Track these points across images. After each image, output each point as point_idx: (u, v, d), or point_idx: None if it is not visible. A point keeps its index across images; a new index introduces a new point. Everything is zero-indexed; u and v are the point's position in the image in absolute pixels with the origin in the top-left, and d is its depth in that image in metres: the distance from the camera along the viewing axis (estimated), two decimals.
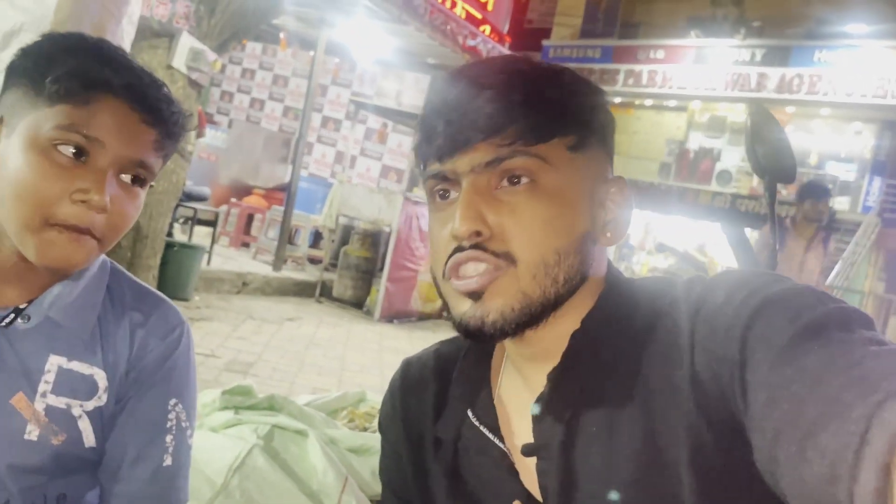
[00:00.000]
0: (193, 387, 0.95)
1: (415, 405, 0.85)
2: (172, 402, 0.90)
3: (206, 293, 6.36)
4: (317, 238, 8.64)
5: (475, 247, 0.65)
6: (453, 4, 7.05)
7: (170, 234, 5.83)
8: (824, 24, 15.02)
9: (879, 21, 14.42)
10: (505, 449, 0.73)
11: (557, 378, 0.68)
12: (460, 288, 0.67)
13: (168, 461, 0.89)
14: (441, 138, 0.66)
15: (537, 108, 0.64)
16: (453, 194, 0.68)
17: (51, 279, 0.86)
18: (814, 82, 14.44)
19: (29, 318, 0.83)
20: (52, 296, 0.85)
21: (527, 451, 0.70)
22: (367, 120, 10.45)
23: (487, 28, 7.62)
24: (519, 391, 0.75)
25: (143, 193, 0.85)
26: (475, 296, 0.66)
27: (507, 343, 0.73)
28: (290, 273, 7.76)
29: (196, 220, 6.92)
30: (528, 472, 0.71)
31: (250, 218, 9.00)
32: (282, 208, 8.14)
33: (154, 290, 0.97)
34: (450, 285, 0.68)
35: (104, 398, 0.86)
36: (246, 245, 8.87)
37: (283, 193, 9.37)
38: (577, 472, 0.66)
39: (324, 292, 7.57)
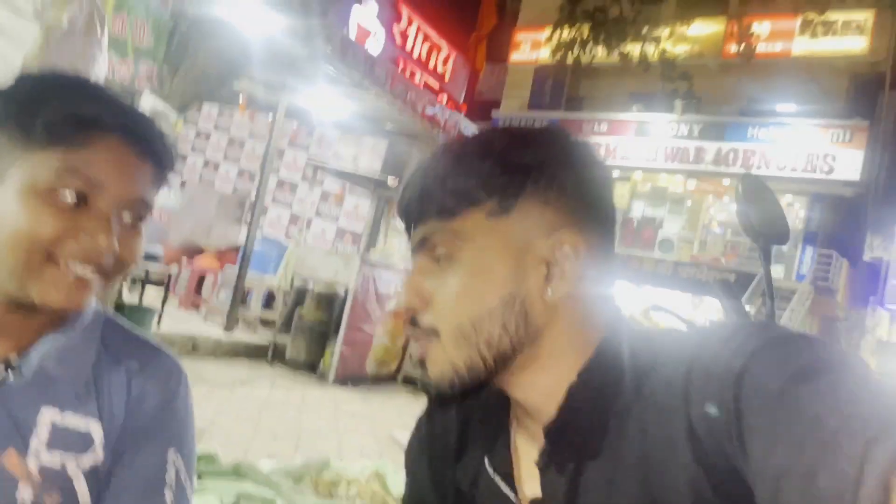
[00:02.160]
0: (192, 438, 0.91)
1: (439, 447, 0.86)
2: (171, 452, 0.85)
3: None
4: (269, 300, 8.51)
5: (412, 321, 0.73)
6: (412, 75, 7.26)
7: (119, 295, 5.67)
8: (756, 103, 15.97)
9: (807, 102, 15.42)
10: (516, 501, 0.75)
11: (555, 433, 0.69)
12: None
13: None
14: (400, 220, 0.77)
15: (449, 187, 0.70)
16: None
17: (41, 329, 0.82)
18: (748, 156, 15.23)
19: (21, 372, 0.79)
20: (44, 346, 0.81)
21: None
22: (323, 182, 10.50)
23: (445, 97, 7.85)
24: (529, 442, 0.76)
25: (143, 229, 0.84)
26: (422, 363, 0.73)
27: None
28: (242, 335, 7.59)
29: (147, 281, 6.76)
30: None
31: (202, 279, 8.82)
32: (234, 268, 8.02)
33: (149, 337, 0.94)
34: None
35: (100, 452, 0.82)
36: (196, 306, 8.67)
37: (236, 254, 9.25)
38: None
39: (276, 355, 7.42)
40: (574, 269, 0.69)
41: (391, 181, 7.75)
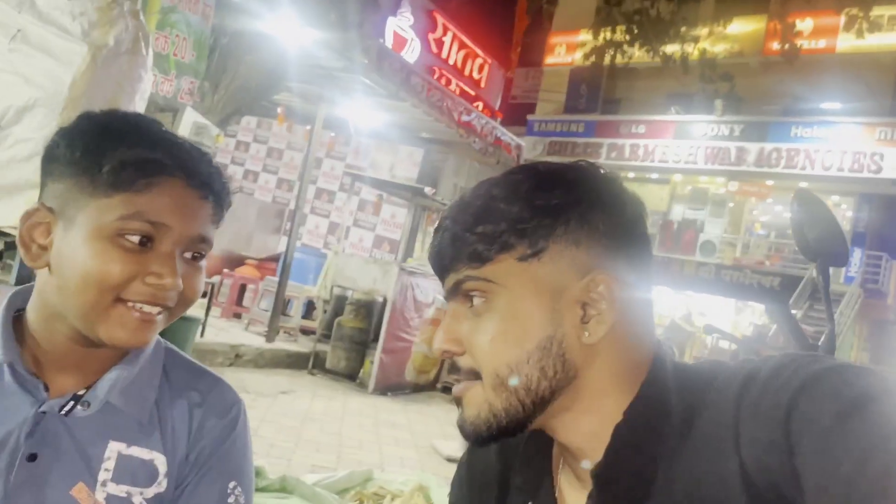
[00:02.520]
0: (251, 468, 0.93)
1: (482, 491, 0.85)
2: (231, 485, 0.88)
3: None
4: (309, 308, 8.58)
5: (453, 367, 0.73)
6: (448, 82, 7.27)
7: None
8: (800, 102, 15.61)
9: (852, 99, 15.03)
10: None
11: (603, 476, 0.68)
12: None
13: None
14: (433, 268, 0.77)
15: (478, 233, 0.70)
16: None
17: (107, 363, 0.85)
18: (791, 156, 14.88)
19: (88, 405, 0.82)
20: (109, 380, 0.83)
21: None
22: (360, 191, 10.58)
23: (480, 104, 7.85)
24: (574, 484, 0.75)
25: (204, 265, 0.87)
26: (458, 402, 0.73)
27: None
28: (283, 344, 7.67)
29: None
30: None
31: (243, 288, 8.94)
32: (274, 279, 8.12)
33: (208, 368, 0.96)
34: None
35: (164, 484, 0.84)
36: (237, 316, 8.79)
37: (275, 264, 9.35)
38: None
39: (317, 364, 7.48)
40: (610, 309, 0.68)
41: (427, 190, 7.76)
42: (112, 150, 0.79)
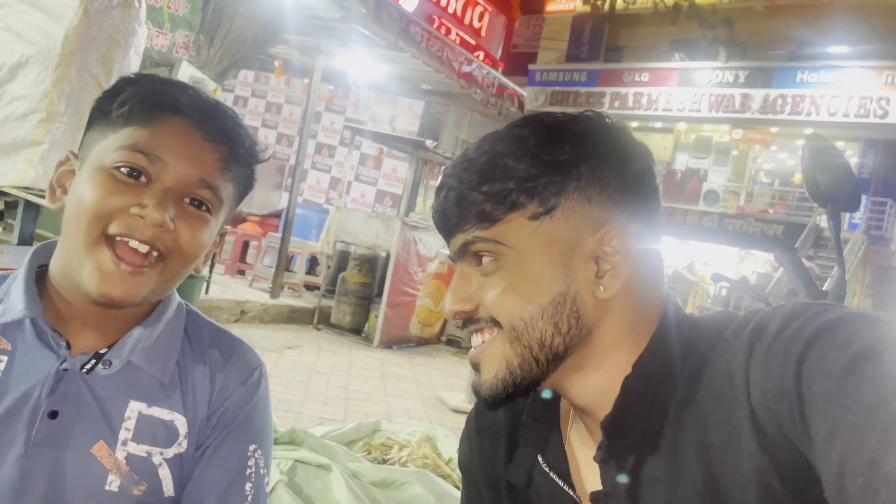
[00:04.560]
0: (271, 431, 0.93)
1: (489, 447, 0.86)
2: (252, 447, 0.88)
3: None
4: (313, 264, 8.60)
5: (469, 321, 0.72)
6: (448, 31, 7.12)
7: None
8: (806, 47, 15.33)
9: (859, 42, 14.74)
10: (575, 496, 0.74)
11: (612, 427, 0.68)
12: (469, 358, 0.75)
13: None
14: (438, 228, 0.76)
15: (486, 193, 0.68)
16: None
17: (128, 323, 0.84)
18: (797, 103, 14.68)
19: (110, 364, 0.81)
20: (132, 340, 0.83)
21: (595, 498, 0.70)
22: (361, 145, 10.49)
23: (481, 54, 7.71)
24: (584, 438, 0.75)
25: (213, 221, 0.83)
26: (475, 367, 0.73)
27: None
28: (287, 300, 7.70)
29: None
30: None
31: (246, 245, 8.95)
32: (277, 235, 8.10)
33: (229, 331, 0.95)
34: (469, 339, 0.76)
35: (184, 444, 0.84)
36: (241, 273, 8.81)
37: (278, 220, 9.33)
38: None
39: (322, 319, 7.52)
40: (624, 263, 0.67)
41: (429, 143, 7.69)
42: (127, 90, 0.79)
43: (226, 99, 12.75)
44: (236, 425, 0.87)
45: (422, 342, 7.72)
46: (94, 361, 0.81)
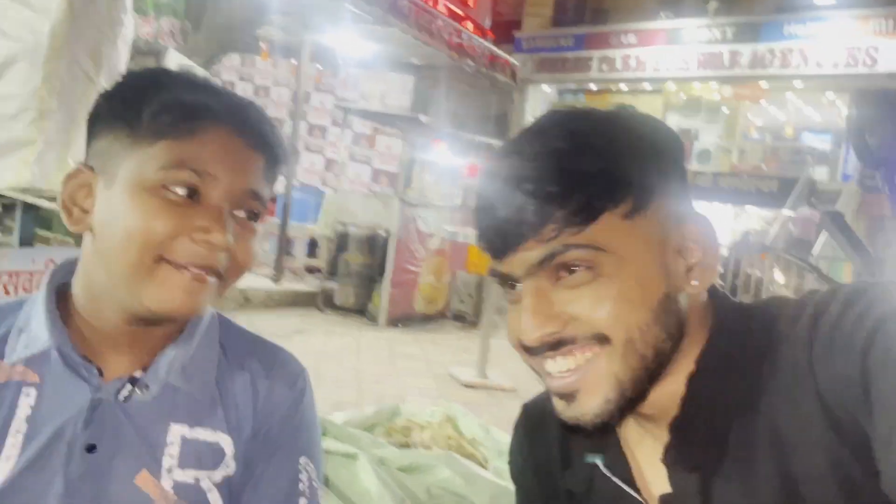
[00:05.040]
0: (320, 439, 0.89)
1: (542, 455, 0.83)
2: (303, 461, 0.83)
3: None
4: (313, 247, 8.56)
5: (560, 343, 0.63)
6: (435, 2, 7.00)
7: None
8: None
9: None
10: (642, 500, 0.71)
11: (681, 428, 0.66)
12: (551, 388, 0.66)
13: None
14: (491, 238, 0.65)
15: (575, 189, 0.61)
16: (519, 286, 0.66)
17: (161, 342, 0.79)
18: (785, 56, 14.59)
19: (147, 388, 0.76)
20: (167, 359, 0.78)
21: (666, 501, 0.68)
22: (353, 125, 10.36)
23: (470, 24, 7.59)
24: (646, 440, 0.72)
25: (258, 229, 0.79)
26: (569, 396, 0.64)
27: None
28: (290, 284, 7.68)
29: None
30: None
31: None
32: (275, 220, 8.04)
33: (265, 338, 0.90)
34: (535, 364, 0.67)
35: (232, 465, 0.79)
36: None
37: (274, 204, 9.25)
38: None
39: (326, 301, 7.51)
40: (712, 254, 0.65)
41: (423, 118, 7.60)
42: (152, 96, 0.72)
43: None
44: (284, 439, 0.83)
45: (427, 319, 7.71)
46: (129, 387, 0.76)
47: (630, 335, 0.62)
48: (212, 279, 0.73)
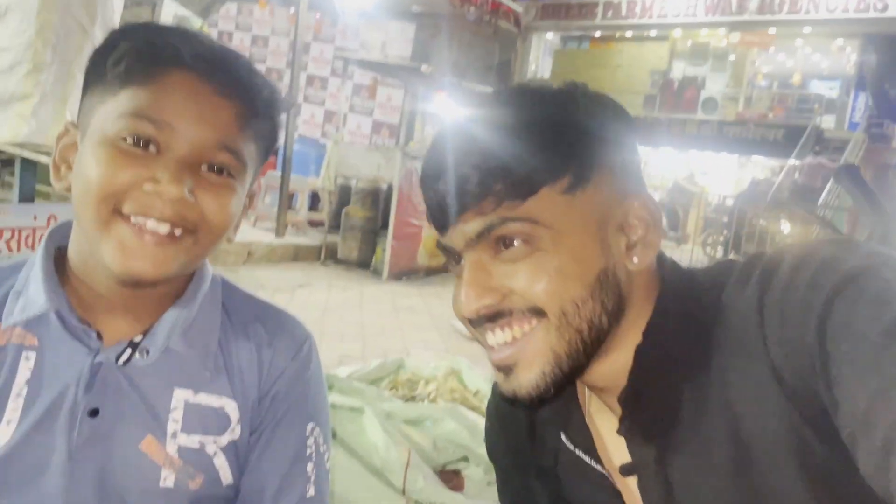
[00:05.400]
0: (327, 404, 0.87)
1: (512, 433, 0.83)
2: (310, 426, 0.82)
3: (213, 266, 6.28)
4: (314, 201, 8.53)
5: (497, 315, 0.63)
6: None
7: None
8: None
9: None
10: (604, 472, 0.72)
11: (630, 400, 0.66)
12: (491, 360, 0.66)
13: (311, 491, 0.80)
14: (434, 210, 0.65)
15: (514, 163, 0.60)
16: (462, 261, 0.66)
17: (161, 305, 0.76)
18: (794, 1, 14.23)
19: (147, 353, 0.74)
20: (168, 323, 0.75)
21: (624, 470, 0.68)
22: (353, 75, 10.18)
23: None
24: (605, 411, 0.72)
25: (238, 187, 0.73)
26: (507, 369, 0.65)
27: None
28: (292, 238, 7.68)
29: None
30: (629, 490, 0.70)
31: None
32: (276, 173, 7.99)
33: (270, 302, 0.88)
34: (478, 336, 0.67)
35: (238, 431, 0.78)
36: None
37: (274, 157, 9.18)
38: (676, 486, 0.64)
39: (329, 255, 7.52)
40: (654, 231, 0.65)
41: (424, 68, 7.47)
42: (122, 44, 0.68)
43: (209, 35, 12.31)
44: (291, 405, 0.81)
45: (430, 272, 7.73)
46: (129, 351, 0.74)
47: (565, 309, 0.61)
48: (180, 239, 0.70)
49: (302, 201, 8.33)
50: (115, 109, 0.67)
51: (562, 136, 0.62)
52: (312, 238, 7.91)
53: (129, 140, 0.67)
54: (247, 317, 0.83)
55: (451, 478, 2.39)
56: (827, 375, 0.52)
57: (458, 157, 0.62)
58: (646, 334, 0.65)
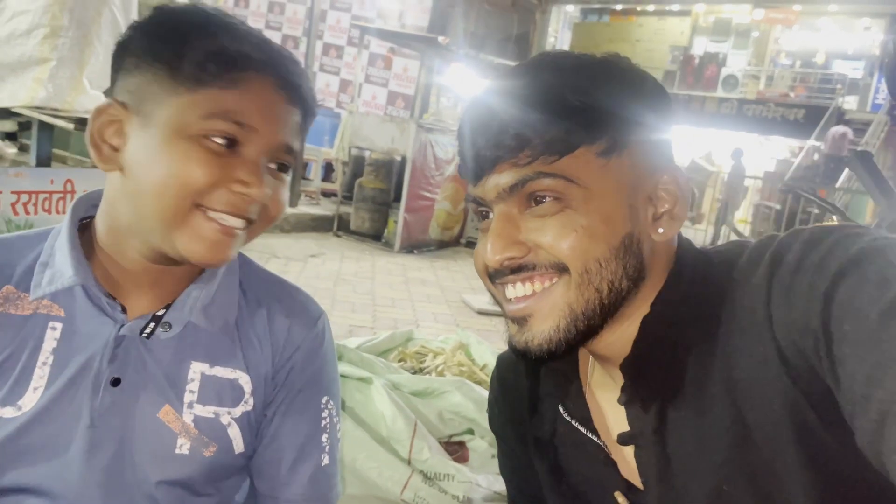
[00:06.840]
0: (338, 377, 0.92)
1: (514, 404, 0.85)
2: (325, 399, 0.87)
3: None
4: (328, 171, 8.53)
5: (521, 268, 0.65)
6: None
7: None
8: None
9: None
10: (599, 442, 0.73)
11: (633, 368, 0.67)
12: (507, 312, 0.68)
13: (326, 460, 0.86)
14: (469, 162, 0.67)
15: (555, 120, 0.62)
16: (491, 215, 0.68)
17: (183, 281, 0.80)
18: None
19: (170, 327, 0.78)
20: (190, 299, 0.79)
21: (622, 439, 0.69)
22: (370, 45, 10.10)
23: None
24: (607, 383, 0.74)
25: (288, 180, 0.80)
26: (522, 320, 0.66)
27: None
28: (306, 208, 7.70)
29: None
30: (625, 461, 0.71)
31: None
32: None
33: (285, 279, 0.91)
34: (496, 292, 0.69)
35: (251, 402, 0.82)
36: None
37: None
38: (673, 457, 0.66)
39: (341, 226, 7.54)
40: (682, 206, 0.66)
41: (441, 39, 7.39)
42: (196, 41, 0.70)
43: (226, 2, 12.23)
44: (307, 380, 0.86)
45: (442, 245, 7.75)
46: (153, 325, 0.78)
47: (588, 266, 0.63)
48: (242, 232, 0.75)
49: (316, 171, 8.34)
50: (195, 107, 0.70)
51: (604, 100, 0.63)
52: (326, 208, 7.94)
53: (218, 140, 0.70)
54: (262, 294, 0.87)
55: (457, 449, 2.43)
56: (831, 356, 0.53)
57: (499, 110, 0.64)
58: (654, 305, 0.67)
